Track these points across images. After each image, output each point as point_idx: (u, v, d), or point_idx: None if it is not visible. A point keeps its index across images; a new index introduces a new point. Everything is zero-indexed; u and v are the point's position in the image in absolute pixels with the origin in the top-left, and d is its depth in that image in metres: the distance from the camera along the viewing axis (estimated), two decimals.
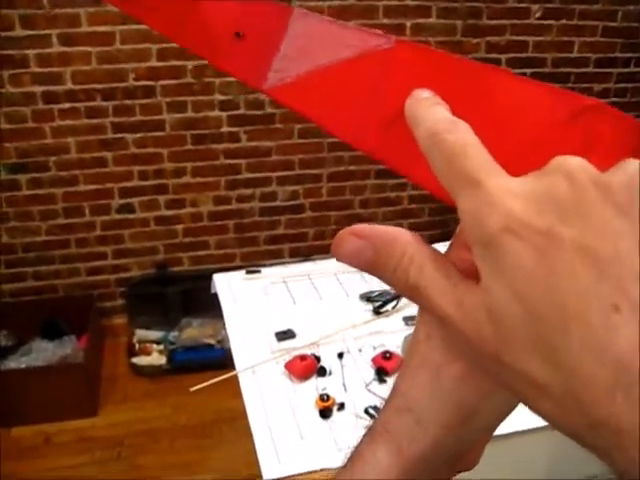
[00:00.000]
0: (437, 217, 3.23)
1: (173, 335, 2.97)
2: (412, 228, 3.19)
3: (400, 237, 0.32)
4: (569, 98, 0.36)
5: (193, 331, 2.95)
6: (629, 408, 0.23)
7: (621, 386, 0.23)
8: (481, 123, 0.36)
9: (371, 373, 1.32)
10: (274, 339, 1.40)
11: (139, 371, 2.89)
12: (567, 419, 0.25)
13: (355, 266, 0.32)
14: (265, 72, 0.40)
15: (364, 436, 0.37)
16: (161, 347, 2.95)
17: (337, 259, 0.33)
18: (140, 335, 2.98)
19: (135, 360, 2.90)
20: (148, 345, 2.95)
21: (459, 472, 0.38)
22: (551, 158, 0.32)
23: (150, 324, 3.00)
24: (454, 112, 0.35)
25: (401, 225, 3.19)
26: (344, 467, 0.37)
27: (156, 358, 2.91)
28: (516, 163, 0.34)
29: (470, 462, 0.38)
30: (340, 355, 1.36)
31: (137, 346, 2.95)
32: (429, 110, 0.32)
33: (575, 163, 0.27)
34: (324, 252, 3.16)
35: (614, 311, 0.23)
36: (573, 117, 0.37)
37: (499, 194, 0.26)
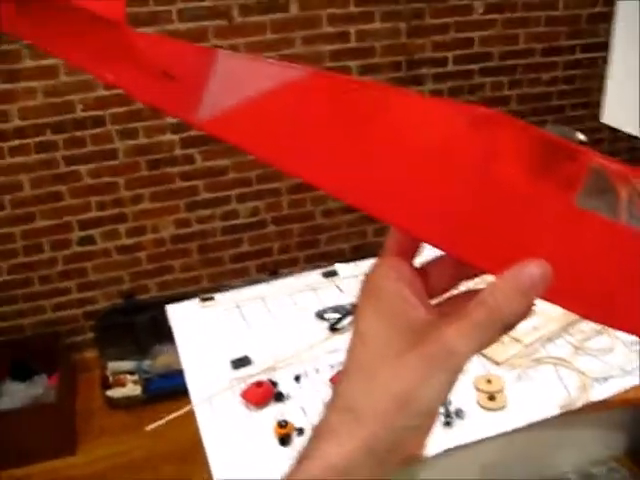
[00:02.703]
0: None
1: (147, 364, 2.93)
2: (378, 233, 3.19)
3: None
4: (466, 110, 0.39)
5: (166, 358, 2.91)
6: None
7: None
8: (390, 141, 0.40)
9: (330, 394, 1.30)
10: (230, 367, 1.38)
11: (115, 403, 2.86)
12: None
13: None
14: (196, 107, 0.43)
15: (310, 438, 0.40)
16: (135, 377, 2.91)
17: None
18: (113, 367, 2.94)
19: (110, 393, 2.87)
20: (122, 376, 2.91)
21: (408, 461, 0.40)
22: (457, 168, 0.38)
23: (122, 355, 2.97)
24: (367, 134, 0.40)
25: (366, 231, 3.19)
26: (291, 469, 0.39)
27: (131, 389, 2.88)
28: (425, 174, 0.39)
29: (416, 449, 0.40)
30: (297, 378, 1.34)
31: (111, 378, 2.91)
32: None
33: None
34: (290, 265, 3.15)
35: None
36: (472, 127, 0.38)
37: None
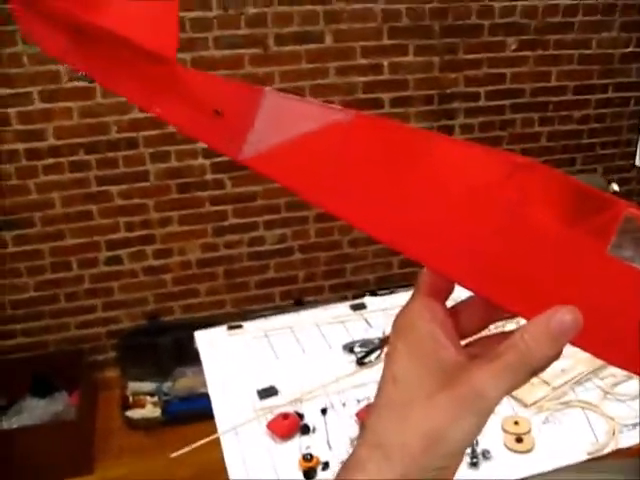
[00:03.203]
0: None
1: (167, 386, 2.94)
2: (403, 265, 3.19)
3: None
4: (502, 158, 0.40)
5: (187, 381, 2.92)
6: None
7: None
8: (428, 184, 0.42)
9: (356, 428, 1.29)
10: (256, 397, 1.38)
11: (134, 424, 2.86)
12: None
13: None
14: (241, 144, 0.45)
15: (339, 471, 0.41)
16: (155, 399, 2.92)
17: None
18: (133, 387, 2.95)
19: (129, 413, 2.87)
20: (142, 397, 2.92)
21: None
22: (491, 213, 0.39)
23: (143, 376, 2.97)
24: (406, 178, 0.41)
25: (391, 262, 3.18)
26: None
27: (150, 410, 2.88)
28: (460, 217, 0.40)
29: None
30: (324, 411, 1.34)
31: (131, 399, 2.91)
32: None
33: None
34: (315, 293, 3.15)
35: None
36: (507, 176, 0.39)
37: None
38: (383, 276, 3.21)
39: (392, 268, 3.20)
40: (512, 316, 0.41)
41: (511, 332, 0.39)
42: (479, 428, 0.39)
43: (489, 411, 0.38)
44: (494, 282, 0.39)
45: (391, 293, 2.25)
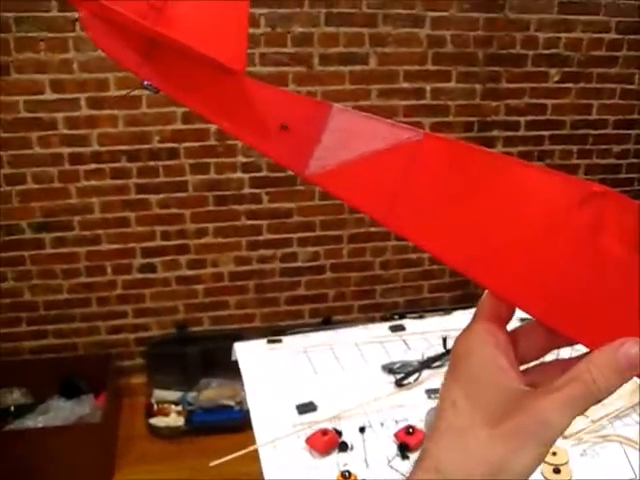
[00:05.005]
0: (458, 278, 3.21)
1: (191, 396, 2.95)
2: (433, 289, 3.18)
3: None
4: (578, 185, 0.40)
5: (212, 392, 2.93)
6: None
7: None
8: (499, 208, 0.41)
9: (393, 449, 1.29)
10: (295, 412, 1.39)
11: (157, 432, 2.87)
12: None
13: None
14: (307, 160, 0.45)
15: None
16: (179, 408, 2.93)
17: None
18: (158, 395, 2.96)
19: (153, 421, 2.88)
20: (166, 406, 2.93)
21: None
22: (562, 240, 0.38)
23: (169, 384, 2.99)
24: (476, 200, 0.41)
25: (422, 287, 3.18)
26: None
27: (174, 419, 2.89)
28: (531, 243, 0.40)
29: None
30: (362, 429, 1.34)
31: (155, 406, 2.93)
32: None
33: None
34: (344, 313, 3.15)
35: None
36: (582, 203, 0.39)
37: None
38: (413, 300, 3.21)
39: (422, 292, 3.20)
40: (572, 343, 0.41)
41: (572, 360, 0.39)
42: (542, 458, 0.38)
43: (552, 441, 0.38)
44: (560, 311, 0.39)
45: (420, 317, 2.24)
